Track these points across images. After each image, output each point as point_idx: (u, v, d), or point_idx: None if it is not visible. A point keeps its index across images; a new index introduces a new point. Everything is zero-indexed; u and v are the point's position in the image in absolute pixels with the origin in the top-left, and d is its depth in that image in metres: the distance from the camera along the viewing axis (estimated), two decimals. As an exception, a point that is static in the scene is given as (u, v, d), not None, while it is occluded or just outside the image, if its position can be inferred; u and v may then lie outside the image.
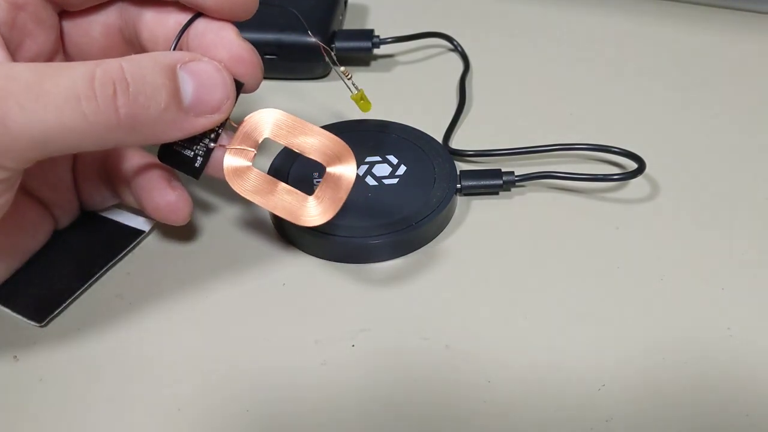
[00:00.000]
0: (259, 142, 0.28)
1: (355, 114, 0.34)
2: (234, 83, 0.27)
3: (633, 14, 0.46)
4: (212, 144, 0.28)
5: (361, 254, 0.31)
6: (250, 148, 0.28)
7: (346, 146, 0.27)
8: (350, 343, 0.29)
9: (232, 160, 0.28)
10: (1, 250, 0.29)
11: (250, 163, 0.28)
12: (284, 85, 0.41)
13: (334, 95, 0.40)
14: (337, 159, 0.27)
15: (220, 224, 0.33)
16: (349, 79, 0.32)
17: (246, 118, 0.28)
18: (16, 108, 0.22)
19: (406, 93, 0.41)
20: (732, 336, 0.29)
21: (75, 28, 0.29)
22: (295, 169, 0.34)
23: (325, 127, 0.36)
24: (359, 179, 0.33)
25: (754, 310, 0.29)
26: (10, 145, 0.23)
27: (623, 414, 0.26)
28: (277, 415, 0.27)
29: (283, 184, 0.28)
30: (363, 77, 0.42)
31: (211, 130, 0.28)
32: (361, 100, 0.33)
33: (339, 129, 0.36)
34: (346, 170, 0.27)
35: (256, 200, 0.28)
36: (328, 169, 0.27)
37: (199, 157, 0.28)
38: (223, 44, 0.27)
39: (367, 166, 0.34)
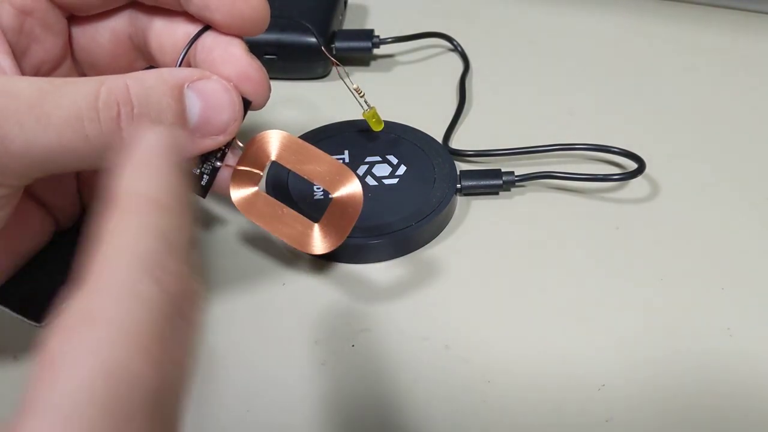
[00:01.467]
0: (266, 164, 0.28)
1: (355, 114, 0.34)
2: (242, 103, 0.26)
3: (633, 14, 0.46)
4: (218, 163, 0.27)
5: (360, 254, 0.31)
6: (256, 170, 0.28)
7: (353, 173, 0.27)
8: (350, 343, 0.29)
9: (238, 183, 0.28)
10: (0, 252, 0.29)
11: (256, 187, 0.28)
12: (284, 85, 0.41)
13: (334, 95, 0.40)
14: (344, 187, 0.27)
15: (221, 223, 0.33)
16: (361, 96, 0.32)
17: (253, 138, 0.28)
18: (15, 128, 0.22)
19: (406, 93, 0.41)
20: (732, 336, 0.29)
21: (83, 34, 0.29)
22: (294, 176, 0.33)
23: (325, 127, 0.37)
24: (359, 179, 0.33)
25: (754, 310, 0.29)
26: (9, 164, 0.22)
27: (623, 414, 0.26)
28: (277, 415, 0.27)
29: (289, 209, 0.28)
30: (363, 77, 0.42)
31: (218, 149, 0.27)
32: (373, 118, 0.33)
33: (339, 129, 0.36)
34: (353, 199, 0.27)
35: (262, 225, 0.28)
36: (335, 196, 0.27)
37: (205, 176, 0.27)
38: (230, 61, 0.26)
39: (367, 166, 0.34)
